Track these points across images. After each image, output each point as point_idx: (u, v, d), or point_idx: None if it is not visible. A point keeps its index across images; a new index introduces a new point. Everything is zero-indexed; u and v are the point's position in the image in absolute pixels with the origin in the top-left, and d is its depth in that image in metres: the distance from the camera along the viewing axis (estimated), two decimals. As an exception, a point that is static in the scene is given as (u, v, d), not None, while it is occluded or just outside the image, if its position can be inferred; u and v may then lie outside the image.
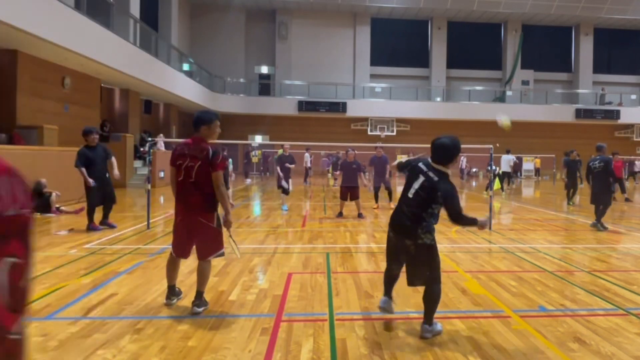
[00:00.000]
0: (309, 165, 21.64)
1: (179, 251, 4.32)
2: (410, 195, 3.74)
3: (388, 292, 4.09)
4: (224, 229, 4.26)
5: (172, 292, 4.45)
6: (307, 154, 21.75)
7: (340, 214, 10.67)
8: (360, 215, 10.56)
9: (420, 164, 3.83)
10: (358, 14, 33.72)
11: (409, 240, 3.69)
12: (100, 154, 8.52)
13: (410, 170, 3.88)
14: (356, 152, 11.10)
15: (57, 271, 5.53)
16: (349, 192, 10.59)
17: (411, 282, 3.79)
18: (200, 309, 4.18)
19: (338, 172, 11.59)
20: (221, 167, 4.14)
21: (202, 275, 4.23)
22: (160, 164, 18.64)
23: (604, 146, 9.56)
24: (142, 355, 3.29)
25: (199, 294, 4.23)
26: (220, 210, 4.25)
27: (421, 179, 3.73)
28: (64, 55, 13.63)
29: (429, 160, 3.83)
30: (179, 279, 5.22)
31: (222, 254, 4.30)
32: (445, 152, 3.78)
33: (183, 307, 4.30)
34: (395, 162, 4.31)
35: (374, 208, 12.33)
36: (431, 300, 3.70)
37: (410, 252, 3.70)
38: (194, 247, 4.27)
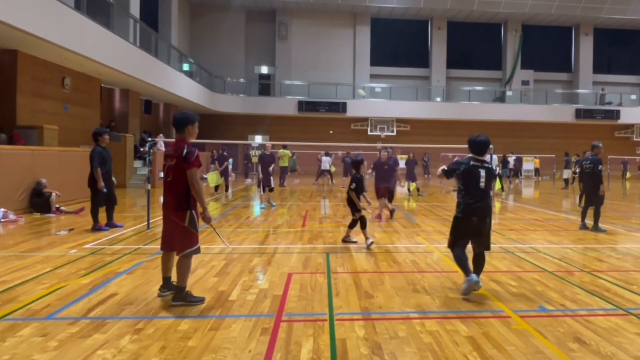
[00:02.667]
0: (327, 167, 21.38)
1: (163, 245, 4.61)
2: (481, 186, 4.75)
3: (469, 270, 4.74)
4: (210, 224, 4.54)
5: (167, 283, 4.64)
6: (326, 157, 21.38)
7: (379, 216, 9.99)
8: (392, 213, 10.55)
9: (472, 162, 4.79)
10: (358, 14, 33.72)
11: (488, 217, 4.80)
12: (109, 155, 8.59)
13: (466, 173, 4.77)
14: (390, 151, 11.09)
15: (57, 271, 5.53)
16: (387, 190, 10.23)
17: (487, 247, 4.88)
18: (176, 303, 4.32)
19: (370, 171, 11.42)
20: (195, 165, 4.26)
21: (178, 270, 4.38)
22: (160, 164, 18.61)
23: (597, 145, 9.36)
24: (142, 355, 3.29)
25: (177, 289, 4.38)
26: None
27: (482, 171, 4.76)
28: (64, 55, 13.64)
29: (472, 156, 4.84)
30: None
31: (197, 251, 4.42)
32: (487, 146, 4.89)
33: (183, 307, 4.30)
34: (440, 171, 5.00)
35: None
36: (484, 259, 4.92)
37: (486, 226, 4.80)
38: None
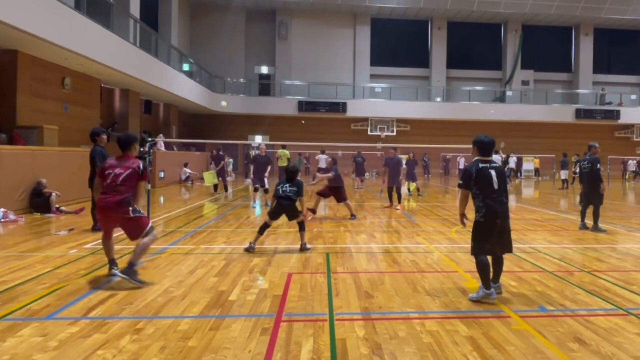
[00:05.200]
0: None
1: (106, 234, 5.44)
2: (495, 187, 4.69)
3: (489, 283, 4.64)
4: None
5: (112, 263, 5.37)
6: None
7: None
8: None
9: (480, 165, 4.76)
10: (358, 14, 33.73)
11: (508, 218, 4.76)
12: (108, 155, 8.60)
13: (478, 175, 4.72)
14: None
15: (57, 271, 5.53)
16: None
17: (510, 249, 4.84)
18: (121, 275, 4.97)
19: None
20: (147, 178, 5.32)
21: (138, 249, 5.11)
22: (160, 164, 18.67)
23: (594, 145, 9.44)
24: (142, 355, 3.30)
25: (130, 264, 5.01)
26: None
27: (493, 172, 4.72)
28: (64, 55, 13.63)
29: (479, 158, 4.83)
30: (177, 279, 5.24)
31: (152, 229, 5.27)
32: (494, 145, 4.94)
33: (183, 306, 4.30)
34: (459, 188, 5.10)
35: (386, 207, 12.38)
36: (503, 264, 4.86)
37: (506, 227, 4.76)
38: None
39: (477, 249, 4.69)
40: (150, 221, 5.40)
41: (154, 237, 5.30)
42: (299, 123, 31.43)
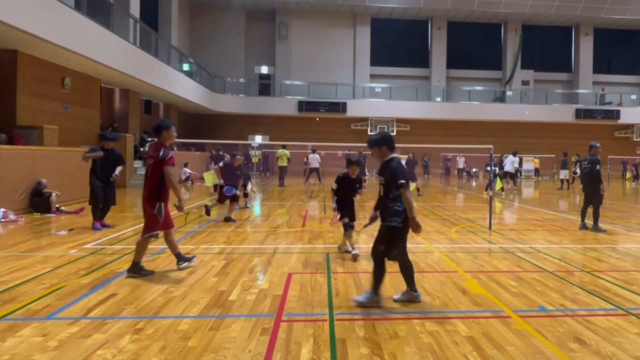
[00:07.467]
0: (316, 165, 21.09)
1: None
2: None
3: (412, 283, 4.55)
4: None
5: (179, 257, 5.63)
6: (313, 155, 21.17)
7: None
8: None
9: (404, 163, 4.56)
10: (358, 14, 33.72)
11: None
12: (112, 157, 8.64)
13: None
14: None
15: (57, 271, 5.53)
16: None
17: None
18: (131, 275, 5.23)
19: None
20: (169, 164, 5.22)
21: (138, 247, 5.35)
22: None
23: (595, 145, 9.36)
24: (142, 355, 3.29)
25: (133, 263, 5.30)
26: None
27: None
28: (64, 55, 13.64)
29: (397, 156, 4.50)
30: (177, 279, 5.24)
31: (156, 236, 5.49)
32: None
33: (183, 306, 4.30)
34: (407, 184, 4.35)
35: None
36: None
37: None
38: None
39: (387, 254, 4.40)
40: (151, 232, 5.41)
41: (149, 241, 5.48)
42: (299, 123, 31.42)
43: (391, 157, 4.46)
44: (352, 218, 6.70)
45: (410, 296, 4.52)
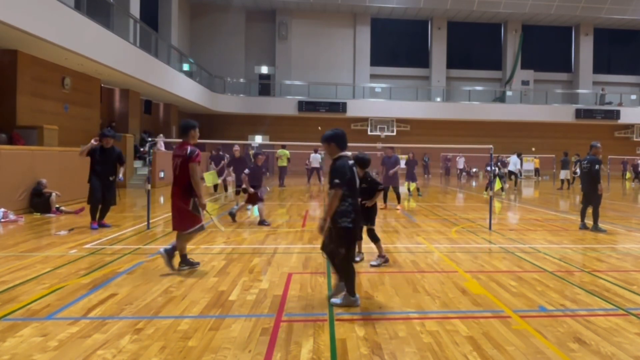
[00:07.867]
0: (317, 166, 21.03)
1: (174, 227, 5.69)
2: (358, 187, 4.55)
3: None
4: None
5: (184, 260, 5.67)
6: (315, 155, 21.07)
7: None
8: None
9: (350, 163, 4.39)
10: (358, 14, 33.72)
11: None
12: (111, 156, 8.60)
13: (352, 174, 4.38)
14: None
15: (57, 271, 5.53)
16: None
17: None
18: (184, 268, 5.57)
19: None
20: (195, 161, 5.33)
21: (180, 242, 5.58)
22: (160, 164, 18.64)
23: (595, 145, 9.35)
24: (142, 355, 3.29)
25: (183, 257, 5.64)
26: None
27: (355, 170, 4.49)
28: (64, 55, 13.63)
29: (344, 154, 4.41)
30: (177, 279, 5.25)
31: (201, 229, 5.64)
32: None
33: (183, 306, 4.30)
34: (338, 185, 4.24)
35: (381, 208, 12.24)
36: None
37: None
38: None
39: (350, 256, 4.38)
40: (195, 226, 5.56)
41: (192, 236, 5.70)
42: (299, 123, 31.40)
43: (339, 155, 4.37)
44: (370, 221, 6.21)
45: (350, 300, 4.37)
